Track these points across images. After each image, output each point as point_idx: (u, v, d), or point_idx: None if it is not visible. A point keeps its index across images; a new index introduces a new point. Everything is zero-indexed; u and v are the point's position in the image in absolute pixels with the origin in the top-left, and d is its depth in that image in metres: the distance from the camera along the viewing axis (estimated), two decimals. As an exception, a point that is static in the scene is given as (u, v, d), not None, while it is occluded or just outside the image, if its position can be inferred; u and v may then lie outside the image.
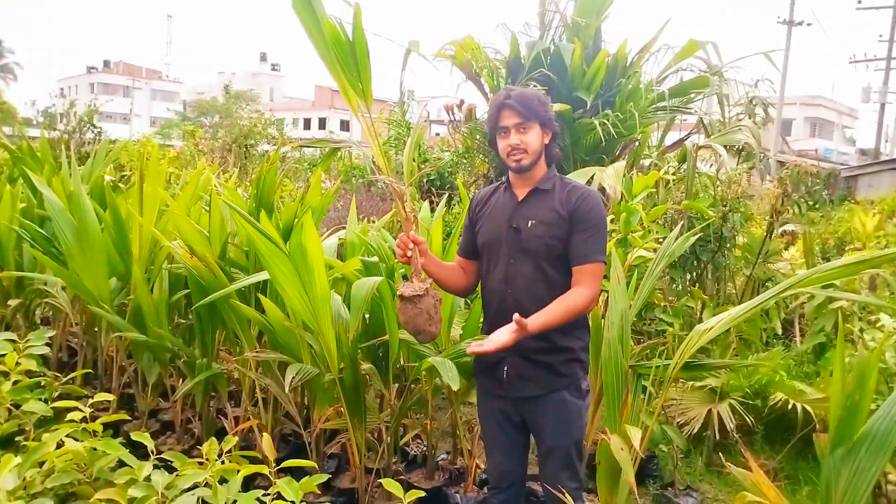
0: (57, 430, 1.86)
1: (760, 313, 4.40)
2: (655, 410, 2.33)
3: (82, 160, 5.99)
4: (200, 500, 1.67)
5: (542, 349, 2.14)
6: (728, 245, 4.72)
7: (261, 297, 2.78)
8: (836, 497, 1.59)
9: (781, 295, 2.02)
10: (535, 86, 4.65)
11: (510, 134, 2.17)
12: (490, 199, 2.35)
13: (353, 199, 3.91)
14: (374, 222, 4.02)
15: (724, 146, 4.88)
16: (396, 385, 3.10)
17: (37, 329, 3.13)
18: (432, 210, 3.60)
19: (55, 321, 4.37)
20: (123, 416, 2.20)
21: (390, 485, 1.81)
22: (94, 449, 1.85)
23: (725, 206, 4.62)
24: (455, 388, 2.33)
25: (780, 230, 5.41)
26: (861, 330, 3.71)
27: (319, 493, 2.76)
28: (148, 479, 1.69)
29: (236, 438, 1.95)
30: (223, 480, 1.74)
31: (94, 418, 1.98)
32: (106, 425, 1.99)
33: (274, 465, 1.81)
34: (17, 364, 2.25)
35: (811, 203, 6.98)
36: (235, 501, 1.66)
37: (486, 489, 2.92)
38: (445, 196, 4.36)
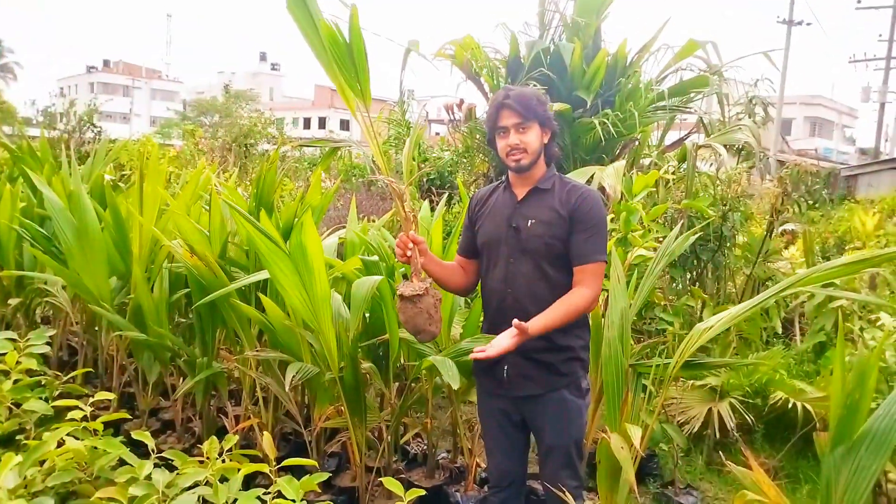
0: (57, 428, 1.86)
1: (760, 312, 4.40)
2: (656, 409, 2.33)
3: (82, 159, 5.99)
4: (201, 499, 1.68)
5: (542, 348, 2.15)
6: (728, 244, 4.72)
7: (261, 296, 2.78)
8: (836, 495, 1.59)
9: (781, 294, 2.02)
10: (534, 85, 4.65)
11: (509, 134, 2.17)
12: (490, 198, 2.35)
13: (353, 198, 3.91)
14: (374, 221, 4.02)
15: (724, 145, 4.88)
16: (397, 384, 3.10)
17: (37, 328, 3.12)
18: (432, 209, 3.60)
19: (55, 320, 4.37)
20: (124, 414, 2.20)
21: (391, 483, 1.81)
22: (95, 448, 1.85)
23: (725, 205, 4.62)
24: (455, 386, 2.33)
25: (780, 229, 5.41)
26: (861, 329, 3.72)
27: (320, 491, 2.76)
28: (148, 477, 1.69)
29: (237, 437, 1.95)
30: (224, 479, 1.74)
31: (94, 417, 1.98)
32: (106, 424, 2.00)
33: (274, 463, 1.82)
34: (18, 363, 2.25)
35: (811, 202, 6.99)
36: (236, 500, 1.66)
37: (486, 488, 2.92)
38: (445, 195, 4.36)
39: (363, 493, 2.82)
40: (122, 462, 1.79)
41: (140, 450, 1.87)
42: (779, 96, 24.03)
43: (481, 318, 2.43)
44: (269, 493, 1.70)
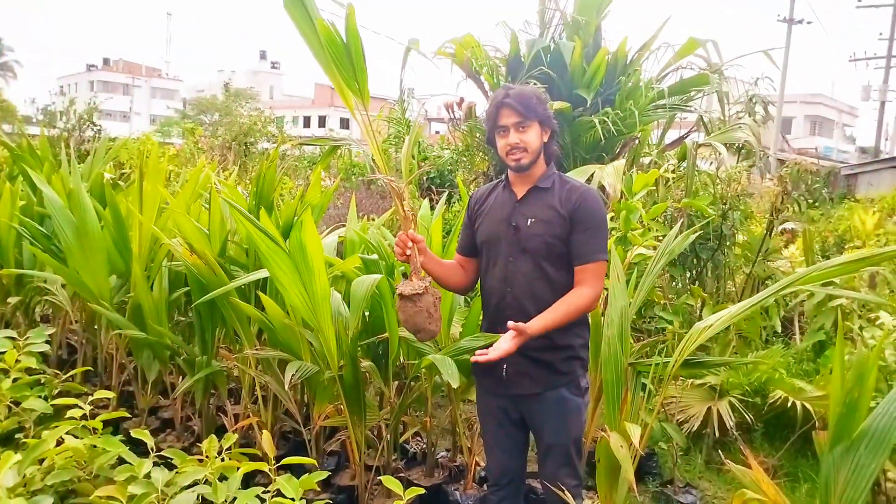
0: (57, 427, 1.86)
1: (760, 311, 4.40)
2: (655, 408, 2.33)
3: (82, 158, 5.99)
4: (200, 497, 1.68)
5: (541, 347, 2.14)
6: (728, 243, 4.72)
7: (260, 294, 2.78)
8: (835, 494, 1.59)
9: (781, 293, 2.02)
10: (535, 84, 4.65)
11: (509, 133, 2.17)
12: (489, 197, 2.35)
13: (352, 196, 3.91)
14: (373, 220, 4.02)
15: (724, 144, 4.88)
16: (396, 382, 3.10)
17: (37, 326, 3.12)
18: (432, 208, 3.59)
19: (55, 319, 4.37)
20: (123, 413, 2.20)
21: (390, 482, 1.82)
22: (94, 446, 1.85)
23: (725, 204, 4.62)
24: (455, 385, 2.33)
25: (780, 228, 5.41)
26: (860, 328, 3.71)
27: (319, 490, 2.76)
28: (148, 476, 1.69)
29: (236, 436, 1.95)
30: (223, 477, 1.74)
31: (93, 416, 1.98)
32: (106, 423, 2.00)
33: (274, 462, 1.82)
34: (17, 361, 2.25)
35: (811, 201, 6.98)
36: (235, 498, 1.66)
37: (485, 486, 2.92)
38: (445, 194, 4.36)
39: (362, 492, 2.82)
40: (121, 461, 1.79)
41: (139, 448, 1.87)
42: (779, 95, 24.03)
43: (481, 317, 2.43)
44: (269, 491, 1.70)
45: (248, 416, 3.13)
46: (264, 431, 2.01)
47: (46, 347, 2.47)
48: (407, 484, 2.25)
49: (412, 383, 2.96)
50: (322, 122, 49.01)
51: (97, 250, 3.30)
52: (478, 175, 6.30)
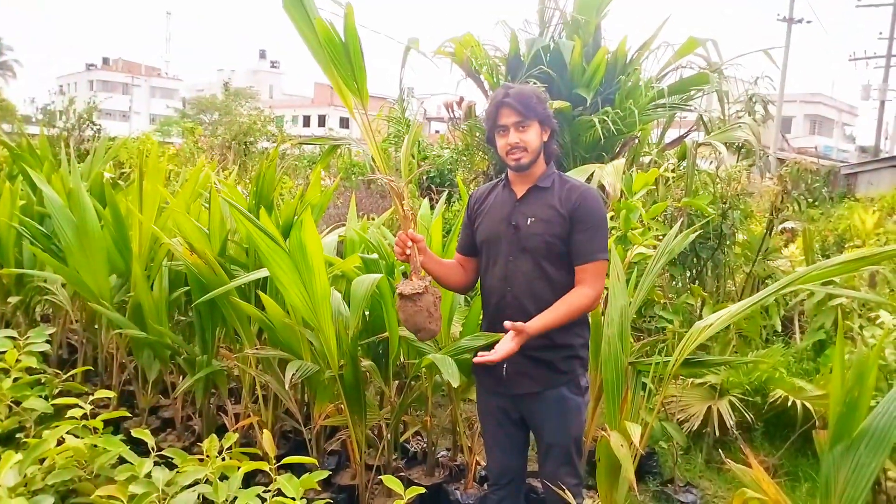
0: (57, 427, 1.86)
1: (760, 310, 4.40)
2: (655, 407, 2.33)
3: (82, 157, 5.99)
4: (201, 497, 1.68)
5: (541, 346, 2.14)
6: (728, 242, 4.72)
7: (261, 294, 2.78)
8: (835, 493, 1.59)
9: (781, 292, 2.02)
10: (534, 83, 4.64)
11: (509, 132, 2.17)
12: (489, 196, 2.35)
13: (352, 196, 3.91)
14: (373, 219, 4.02)
15: (724, 143, 4.88)
16: (396, 382, 3.10)
17: (37, 326, 3.13)
18: (432, 208, 3.59)
19: (55, 318, 4.37)
20: (124, 413, 2.20)
21: (390, 481, 1.82)
22: (95, 446, 1.85)
23: (725, 203, 4.62)
24: (455, 384, 2.33)
25: (780, 227, 5.42)
26: (861, 327, 3.71)
27: (320, 489, 2.76)
28: (148, 475, 1.69)
29: (237, 435, 1.95)
30: (224, 477, 1.75)
31: (94, 415, 1.98)
32: (106, 422, 2.00)
33: (274, 461, 1.82)
34: (18, 361, 2.25)
35: (811, 200, 6.98)
36: (236, 498, 1.66)
37: (485, 486, 2.92)
38: (445, 193, 4.36)
39: (363, 491, 2.82)
40: (121, 460, 1.79)
41: (140, 448, 1.87)
42: (779, 94, 24.03)
43: (481, 317, 2.44)
44: (269, 490, 1.70)
45: (249, 416, 3.13)
46: (265, 431, 2.01)
47: (47, 347, 2.47)
48: (407, 483, 2.25)
49: (412, 382, 2.96)
50: (322, 121, 49.01)
51: (97, 250, 3.30)
52: (478, 174, 6.30)
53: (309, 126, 48.34)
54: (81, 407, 1.97)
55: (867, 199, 10.64)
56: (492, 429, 2.38)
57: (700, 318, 3.76)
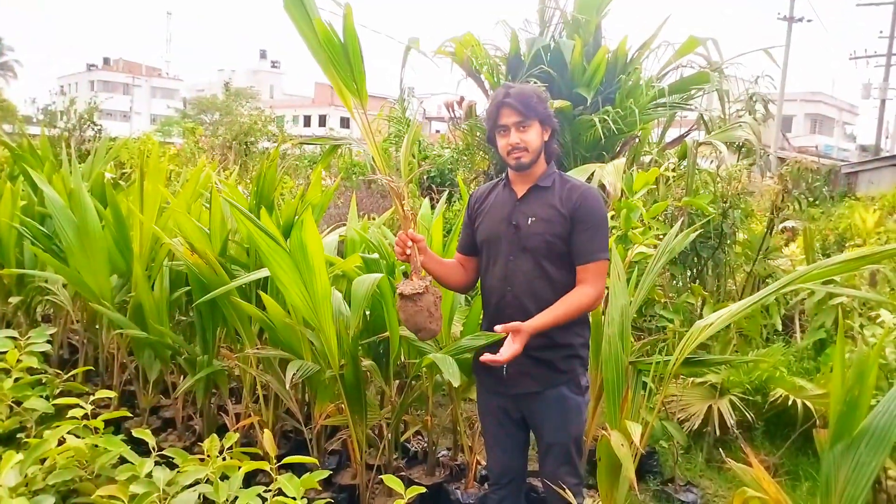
0: (58, 427, 1.86)
1: (761, 309, 4.40)
2: (656, 406, 2.33)
3: (83, 158, 5.99)
4: (202, 497, 1.68)
5: (542, 346, 2.14)
6: (728, 241, 4.72)
7: (261, 293, 2.78)
8: (836, 492, 1.59)
9: (781, 291, 2.02)
10: (535, 82, 4.64)
11: (510, 132, 2.17)
12: (489, 195, 2.35)
13: (353, 196, 3.91)
14: (374, 219, 4.02)
15: (725, 143, 4.88)
16: (397, 381, 3.10)
17: (38, 326, 3.13)
18: (433, 207, 3.59)
19: (56, 318, 4.37)
20: (124, 413, 2.20)
21: (391, 481, 1.82)
22: (96, 446, 1.85)
23: (726, 202, 4.62)
24: (456, 384, 2.33)
25: (781, 226, 5.41)
26: (861, 326, 3.72)
27: (320, 489, 2.76)
28: (149, 475, 1.69)
29: (237, 435, 1.95)
30: (224, 477, 1.75)
31: (95, 415, 1.98)
32: (107, 422, 2.00)
33: (275, 461, 1.82)
34: (19, 361, 2.26)
35: (811, 199, 6.99)
36: (237, 498, 1.66)
37: (486, 485, 2.92)
38: (446, 193, 4.36)
39: (363, 491, 2.82)
40: (122, 460, 1.79)
41: (141, 448, 1.88)
42: (779, 93, 24.02)
43: (481, 316, 2.44)
44: (270, 490, 1.70)
45: (250, 416, 3.13)
46: (265, 430, 2.01)
47: (48, 347, 2.47)
48: (408, 483, 2.26)
49: (413, 382, 2.96)
50: (322, 121, 49.01)
51: (98, 250, 3.30)
52: (478, 174, 6.30)
53: (309, 126, 48.36)
54: (82, 407, 1.97)
55: (868, 197, 10.64)
56: (492, 428, 2.39)
57: (700, 317, 3.77)
